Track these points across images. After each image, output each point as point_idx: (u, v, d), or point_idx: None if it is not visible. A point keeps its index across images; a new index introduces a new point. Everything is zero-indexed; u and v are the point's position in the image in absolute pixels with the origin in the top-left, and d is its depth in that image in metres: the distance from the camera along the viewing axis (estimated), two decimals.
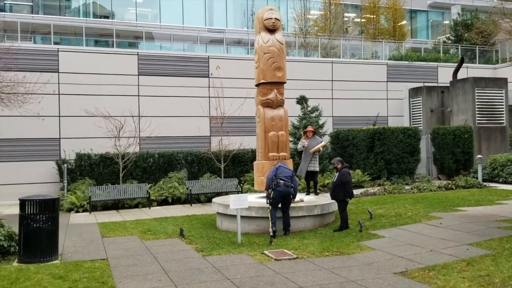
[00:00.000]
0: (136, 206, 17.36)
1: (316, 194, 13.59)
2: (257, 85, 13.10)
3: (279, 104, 12.96)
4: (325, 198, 12.91)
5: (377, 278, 7.45)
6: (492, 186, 18.46)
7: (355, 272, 7.81)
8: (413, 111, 25.48)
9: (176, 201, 17.96)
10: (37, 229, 8.84)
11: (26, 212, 8.84)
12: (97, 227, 13.02)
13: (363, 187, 19.28)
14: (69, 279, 7.47)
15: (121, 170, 18.25)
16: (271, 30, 12.89)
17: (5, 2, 30.63)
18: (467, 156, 21.96)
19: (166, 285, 7.28)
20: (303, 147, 13.54)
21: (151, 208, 16.95)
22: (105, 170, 19.01)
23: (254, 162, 13.30)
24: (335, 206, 12.37)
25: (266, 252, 9.20)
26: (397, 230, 10.80)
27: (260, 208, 11.44)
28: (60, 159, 19.18)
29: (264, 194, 13.03)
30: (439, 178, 22.13)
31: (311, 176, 13.46)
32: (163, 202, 17.78)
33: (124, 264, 8.63)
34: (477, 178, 19.28)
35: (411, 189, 17.77)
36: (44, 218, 8.90)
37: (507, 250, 8.49)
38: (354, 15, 38.93)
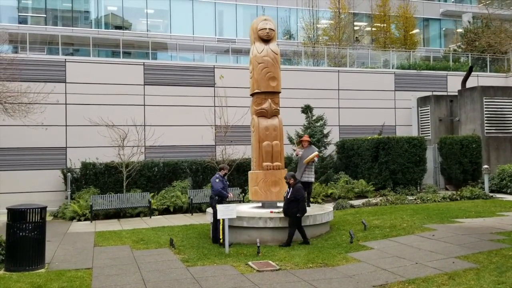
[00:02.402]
0: (138, 215, 17.46)
1: (308, 205, 13.19)
2: (252, 95, 13.13)
3: (273, 113, 12.94)
4: (319, 209, 12.81)
5: None
6: (499, 197, 18.09)
7: (334, 284, 7.72)
8: (421, 120, 25.19)
9: (178, 210, 18.00)
10: (23, 237, 8.95)
11: (13, 221, 8.97)
12: (93, 236, 13.12)
13: (366, 197, 19.10)
14: None
15: (124, 179, 18.38)
16: (266, 40, 12.92)
17: (19, 14, 31.35)
18: (475, 166, 21.57)
19: None
20: (297, 155, 13.28)
21: (152, 217, 17.02)
22: (109, 179, 19.15)
23: (249, 172, 13.30)
24: (328, 217, 12.30)
25: (250, 263, 9.16)
26: (387, 241, 10.66)
27: (251, 218, 11.40)
28: (66, 168, 19.43)
29: (258, 204, 13.14)
30: (446, 189, 21.79)
31: (304, 187, 13.13)
32: (165, 211, 17.84)
33: (106, 273, 8.68)
34: (484, 189, 18.95)
35: (415, 199, 17.53)
36: (30, 227, 9.02)
37: (493, 264, 8.30)
38: (365, 24, 38.78)
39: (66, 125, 20.41)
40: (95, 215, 16.83)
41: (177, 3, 34.04)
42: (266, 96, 12.82)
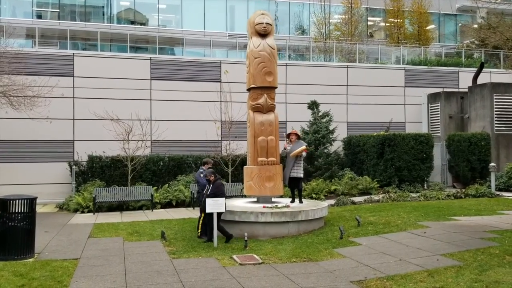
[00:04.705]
0: (140, 208, 17.64)
1: (301, 202, 13.02)
2: (248, 90, 13.13)
3: (269, 109, 12.91)
4: (313, 205, 12.74)
5: (330, 286, 7.33)
6: (505, 196, 17.75)
7: (311, 279, 7.71)
8: (431, 117, 24.84)
9: (181, 204, 18.12)
10: (13, 227, 9.15)
11: (3, 210, 9.16)
12: (90, 227, 13.31)
13: (370, 194, 18.94)
14: (27, 277, 7.71)
15: (129, 172, 18.58)
16: (263, 35, 12.89)
17: (33, 9, 31.88)
18: (483, 164, 21.18)
19: (118, 286, 7.40)
20: (285, 148, 12.98)
21: (154, 210, 17.18)
22: (115, 172, 19.40)
23: (244, 167, 13.32)
24: (321, 212, 12.25)
25: (234, 256, 9.20)
26: (377, 238, 10.58)
27: (243, 212, 11.43)
28: (73, 161, 19.71)
29: (254, 199, 13.15)
30: (454, 186, 21.48)
31: (294, 183, 12.82)
32: (168, 205, 17.99)
33: (91, 264, 8.82)
34: (491, 187, 18.62)
35: (418, 197, 17.30)
36: (19, 217, 9.20)
37: (477, 262, 8.17)
38: (379, 19, 38.33)
39: (73, 119, 20.71)
40: (99, 208, 17.08)
41: None
42: (262, 91, 12.80)
